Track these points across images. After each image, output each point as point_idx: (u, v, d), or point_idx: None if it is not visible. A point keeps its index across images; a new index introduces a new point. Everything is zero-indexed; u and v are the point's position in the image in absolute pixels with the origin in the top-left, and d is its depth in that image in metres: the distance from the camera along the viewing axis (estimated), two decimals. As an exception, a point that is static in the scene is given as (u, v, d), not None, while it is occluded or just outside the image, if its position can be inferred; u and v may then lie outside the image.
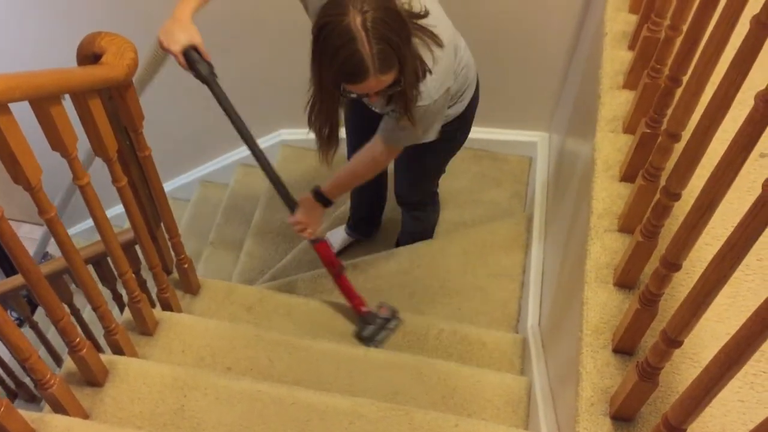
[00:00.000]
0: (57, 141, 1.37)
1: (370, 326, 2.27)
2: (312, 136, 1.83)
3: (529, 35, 2.73)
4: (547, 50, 2.76)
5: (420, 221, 2.72)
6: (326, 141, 1.80)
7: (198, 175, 3.83)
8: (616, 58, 1.85)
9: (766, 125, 0.90)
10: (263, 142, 3.46)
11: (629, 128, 1.68)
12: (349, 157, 2.58)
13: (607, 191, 1.61)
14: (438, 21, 1.71)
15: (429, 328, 2.30)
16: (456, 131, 2.11)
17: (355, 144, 2.46)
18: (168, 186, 3.84)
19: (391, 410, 1.75)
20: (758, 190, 0.83)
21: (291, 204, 2.09)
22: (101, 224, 1.62)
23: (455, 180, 3.06)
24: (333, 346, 2.08)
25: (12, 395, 2.93)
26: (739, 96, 1.02)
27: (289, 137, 3.43)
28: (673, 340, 1.08)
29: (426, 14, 1.66)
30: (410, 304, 2.53)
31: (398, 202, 2.57)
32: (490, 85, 2.82)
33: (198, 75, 1.80)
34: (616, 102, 1.77)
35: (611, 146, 1.68)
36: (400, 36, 1.52)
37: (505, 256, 2.67)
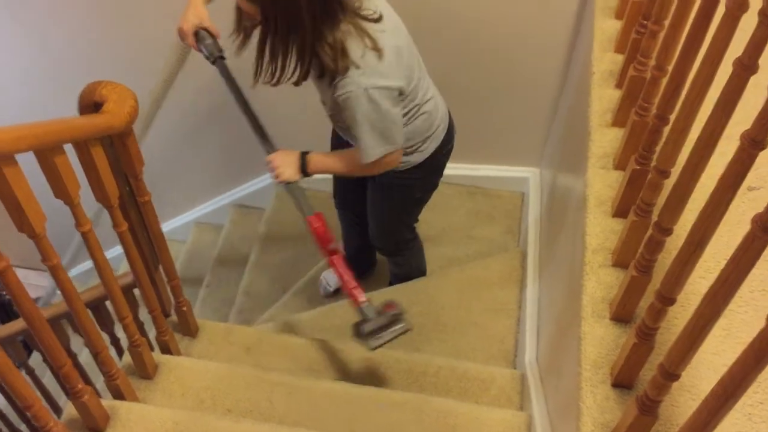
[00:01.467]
0: (61, 189, 1.40)
1: (369, 322, 1.92)
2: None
3: (518, 73, 2.78)
4: (536, 88, 2.82)
5: (401, 266, 2.76)
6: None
7: (193, 217, 3.85)
8: (604, 97, 1.90)
9: (752, 163, 0.93)
10: (256, 184, 3.50)
11: (619, 165, 1.71)
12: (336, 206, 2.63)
13: (600, 227, 1.64)
14: (387, 28, 1.75)
15: (427, 365, 2.31)
16: (415, 180, 2.14)
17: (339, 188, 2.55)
18: (163, 228, 3.86)
19: (394, 449, 1.75)
20: (748, 224, 0.86)
21: (268, 146, 2.01)
22: (102, 269, 1.63)
23: (449, 216, 3.10)
24: (333, 385, 2.09)
25: (8, 443, 2.91)
26: (728, 131, 1.06)
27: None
28: (670, 373, 1.11)
29: (375, 19, 1.71)
30: (406, 342, 2.52)
31: (375, 248, 2.60)
32: (481, 122, 2.88)
33: (206, 56, 1.97)
34: (605, 139, 1.81)
35: (602, 182, 1.72)
36: None
37: (501, 292, 2.69)
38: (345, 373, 2.28)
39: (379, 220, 2.38)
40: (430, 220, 2.68)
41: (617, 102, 1.82)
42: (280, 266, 3.13)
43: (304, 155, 1.97)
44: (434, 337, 2.58)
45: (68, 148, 1.39)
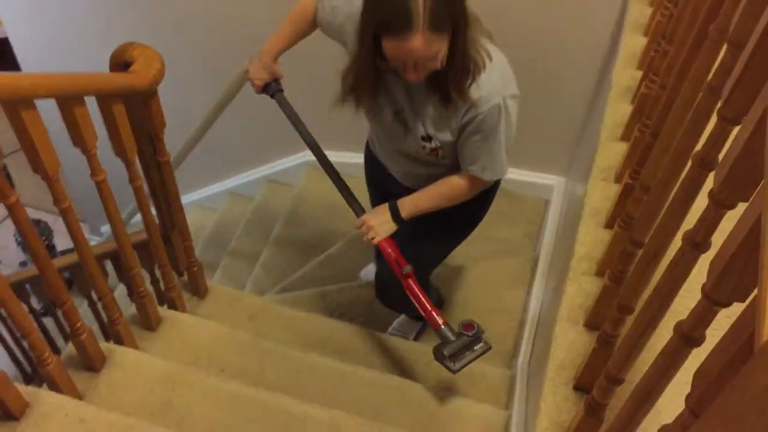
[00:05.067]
0: (78, 138, 1.50)
1: (450, 344, 1.86)
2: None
3: (554, 84, 2.81)
4: (569, 100, 2.84)
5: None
6: (351, 95, 1.67)
7: (227, 187, 3.97)
8: (618, 111, 1.92)
9: (703, 181, 0.97)
10: (289, 162, 3.59)
11: (619, 178, 1.74)
12: None
13: (590, 236, 1.67)
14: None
15: (421, 354, 2.36)
16: (490, 201, 2.06)
17: None
18: (198, 194, 3.99)
19: (367, 426, 1.82)
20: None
21: (357, 208, 1.98)
22: (113, 219, 1.73)
23: (469, 215, 3.13)
24: (324, 360, 2.16)
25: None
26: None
27: (314, 158, 3.53)
28: (614, 377, 1.15)
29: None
30: (409, 330, 2.59)
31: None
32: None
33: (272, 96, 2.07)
34: (612, 153, 1.83)
35: (601, 194, 1.75)
36: (460, 1, 1.42)
37: (507, 294, 2.73)
38: (340, 351, 2.35)
39: (438, 247, 2.14)
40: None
41: (629, 117, 1.84)
42: (300, 243, 3.22)
43: (393, 204, 1.85)
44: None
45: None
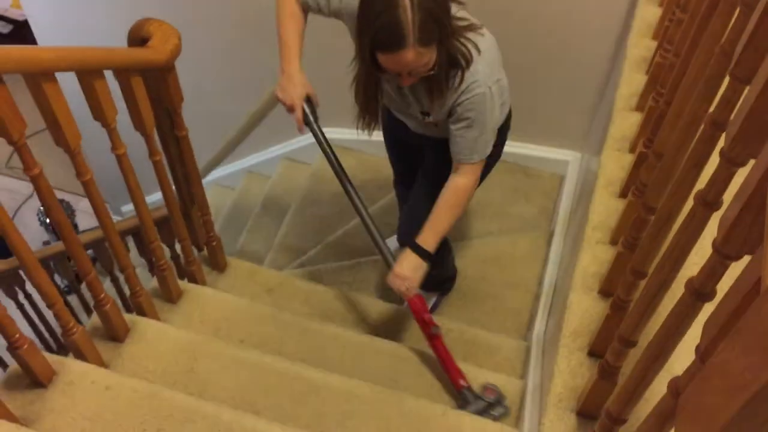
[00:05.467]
0: (98, 111, 1.53)
1: (470, 406, 1.94)
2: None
3: (569, 57, 2.80)
4: (584, 73, 2.83)
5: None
6: (363, 116, 1.81)
7: (245, 165, 3.99)
8: (633, 82, 1.92)
9: (715, 145, 0.98)
10: (301, 141, 3.61)
11: (633, 148, 1.75)
12: (395, 185, 2.58)
13: (604, 205, 1.68)
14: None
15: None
16: (495, 147, 1.99)
17: (402, 170, 2.43)
18: (216, 173, 4.02)
19: (384, 393, 1.85)
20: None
21: (389, 258, 1.98)
22: (134, 193, 1.77)
23: (485, 190, 3.11)
24: (342, 331, 2.19)
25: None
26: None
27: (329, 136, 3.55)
28: (627, 340, 1.17)
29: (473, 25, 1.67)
30: (425, 304, 2.61)
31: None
32: (528, 102, 2.89)
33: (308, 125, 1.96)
34: (627, 123, 1.84)
35: (615, 164, 1.76)
36: (444, 12, 1.50)
37: (523, 268, 2.74)
38: (358, 323, 2.38)
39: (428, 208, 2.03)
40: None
41: (643, 87, 1.84)
42: (317, 220, 3.24)
43: (415, 246, 1.85)
44: (452, 303, 2.66)
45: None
